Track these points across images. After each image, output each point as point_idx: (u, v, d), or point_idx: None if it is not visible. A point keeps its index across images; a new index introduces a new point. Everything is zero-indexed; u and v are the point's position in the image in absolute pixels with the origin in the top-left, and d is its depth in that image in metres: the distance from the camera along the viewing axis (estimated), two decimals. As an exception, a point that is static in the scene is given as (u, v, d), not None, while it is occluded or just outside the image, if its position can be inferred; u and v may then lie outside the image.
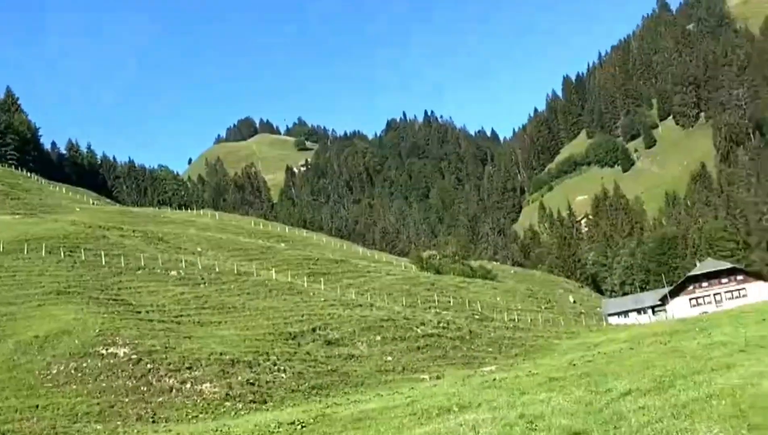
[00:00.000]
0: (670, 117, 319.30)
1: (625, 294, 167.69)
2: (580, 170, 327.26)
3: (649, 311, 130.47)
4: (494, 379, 42.53)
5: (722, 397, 20.00)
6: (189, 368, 48.17)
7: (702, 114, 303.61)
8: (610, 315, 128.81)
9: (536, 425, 24.02)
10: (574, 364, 43.66)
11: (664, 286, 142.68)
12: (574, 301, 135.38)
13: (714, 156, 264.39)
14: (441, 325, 74.78)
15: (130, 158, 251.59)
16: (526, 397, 32.94)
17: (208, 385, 46.74)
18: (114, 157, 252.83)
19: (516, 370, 50.94)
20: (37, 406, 40.10)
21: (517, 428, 24.54)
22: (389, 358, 62.14)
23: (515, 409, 29.58)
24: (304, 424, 35.78)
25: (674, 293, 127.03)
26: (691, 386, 23.90)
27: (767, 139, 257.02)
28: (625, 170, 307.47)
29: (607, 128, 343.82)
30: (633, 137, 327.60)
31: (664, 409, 21.15)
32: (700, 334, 57.55)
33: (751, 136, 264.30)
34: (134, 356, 48.04)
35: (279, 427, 35.93)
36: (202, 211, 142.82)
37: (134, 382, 45.20)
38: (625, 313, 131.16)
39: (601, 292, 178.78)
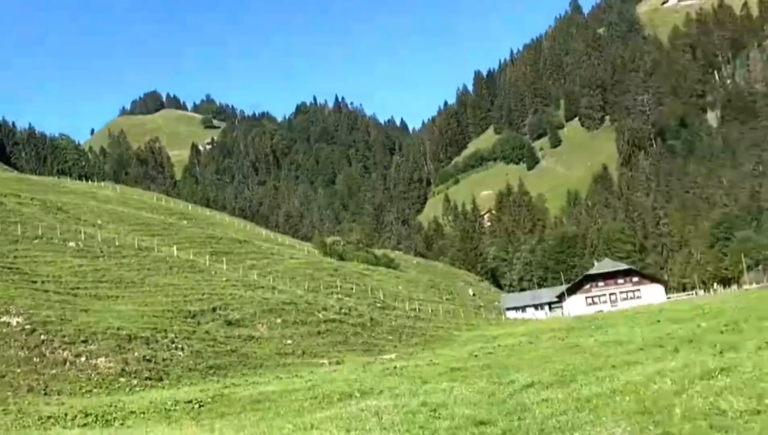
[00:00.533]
0: (577, 118, 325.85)
1: (523, 290, 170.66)
2: (486, 165, 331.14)
3: (546, 307, 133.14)
4: (395, 367, 42.60)
5: (625, 393, 20.25)
6: (84, 342, 46.86)
7: (607, 117, 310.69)
8: (508, 309, 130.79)
9: (439, 413, 24.01)
10: (476, 356, 44.10)
11: (561, 284, 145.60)
12: (474, 294, 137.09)
13: (616, 159, 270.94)
14: (343, 311, 74.62)
15: (30, 125, 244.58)
16: (428, 385, 33.03)
17: (103, 359, 45.53)
18: (13, 123, 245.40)
19: (416, 359, 51.16)
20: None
21: (420, 416, 24.49)
22: (289, 342, 61.69)
23: (417, 397, 29.59)
24: (201, 404, 35.20)
25: (571, 291, 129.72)
26: (593, 381, 24.23)
27: (668, 145, 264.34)
28: (530, 168, 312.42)
29: (514, 125, 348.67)
30: (539, 136, 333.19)
31: (567, 402, 21.33)
32: (596, 332, 58.87)
33: (653, 142, 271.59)
34: (28, 326, 46.47)
35: (175, 406, 35.24)
36: (103, 184, 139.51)
37: (27, 352, 43.69)
38: (523, 308, 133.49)
39: (500, 286, 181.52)
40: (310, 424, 25.90)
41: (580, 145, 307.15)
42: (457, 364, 40.05)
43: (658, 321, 63.52)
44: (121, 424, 32.21)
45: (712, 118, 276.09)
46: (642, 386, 20.64)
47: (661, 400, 18.36)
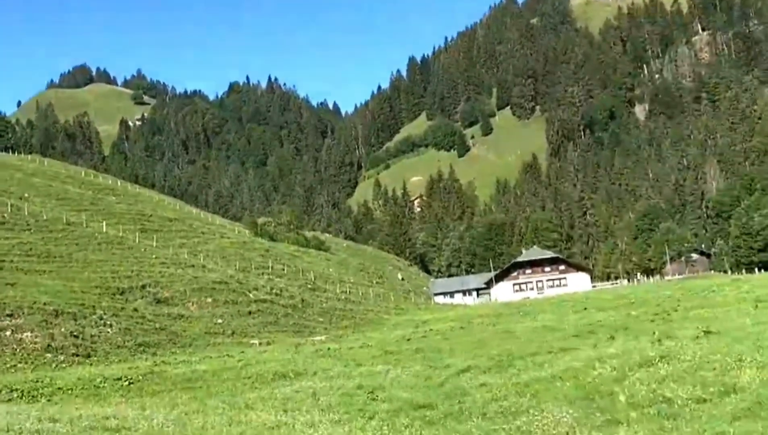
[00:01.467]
0: (508, 107, 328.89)
1: (451, 275, 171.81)
2: (417, 151, 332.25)
3: (474, 293, 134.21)
4: (328, 349, 42.48)
5: (565, 379, 20.43)
6: (10, 316, 45.68)
7: (538, 107, 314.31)
8: (436, 294, 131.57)
9: (377, 396, 23.98)
10: (408, 340, 44.15)
11: (490, 270, 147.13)
12: (403, 279, 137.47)
13: (546, 149, 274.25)
14: (274, 291, 74.12)
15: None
16: (362, 368, 32.96)
17: (29, 334, 44.44)
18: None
19: (348, 342, 51.12)
20: None
21: (358, 398, 24.43)
22: (220, 321, 61.07)
23: (353, 379, 29.53)
24: (131, 381, 34.62)
25: (499, 278, 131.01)
26: (531, 367, 24.42)
27: (596, 137, 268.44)
28: (460, 155, 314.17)
29: (447, 112, 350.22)
30: (471, 124, 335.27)
31: (506, 387, 21.44)
32: (525, 318, 59.46)
33: (582, 133, 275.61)
34: (-50, 300, 45.16)
35: (104, 382, 34.61)
36: (30, 157, 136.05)
37: (-51, 326, 42.47)
38: (451, 293, 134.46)
39: (428, 271, 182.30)
40: (244, 404, 25.65)
41: (510, 134, 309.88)
42: (390, 348, 40.06)
43: (585, 308, 64.40)
44: (48, 401, 31.49)
45: (639, 111, 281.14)
46: (582, 372, 20.84)
47: (603, 386, 18.55)
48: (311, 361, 37.27)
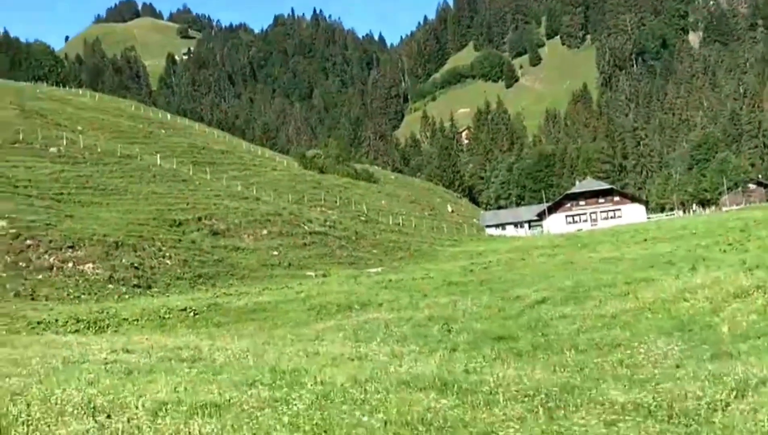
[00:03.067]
0: (557, 36, 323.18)
1: (500, 208, 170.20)
2: (464, 83, 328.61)
3: (526, 225, 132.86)
4: (389, 280, 41.92)
5: (655, 311, 19.57)
6: (71, 248, 45.83)
7: (588, 36, 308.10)
8: (487, 226, 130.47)
9: (452, 327, 23.31)
10: (471, 271, 43.46)
11: (540, 202, 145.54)
12: (453, 211, 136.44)
13: (596, 79, 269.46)
14: (327, 223, 73.82)
15: (4, 29, 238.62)
16: (428, 299, 32.35)
17: (90, 265, 44.60)
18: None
19: (406, 273, 50.53)
20: None
21: (432, 329, 23.81)
22: (275, 253, 60.94)
23: (420, 310, 28.94)
24: (196, 312, 34.46)
25: (552, 210, 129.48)
26: (612, 298, 23.55)
27: (648, 66, 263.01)
28: (508, 86, 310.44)
29: (494, 42, 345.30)
30: (519, 54, 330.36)
31: (591, 318, 20.65)
32: (584, 250, 58.40)
33: (634, 62, 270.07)
34: (12, 231, 45.27)
35: (169, 313, 34.51)
36: (81, 91, 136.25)
37: (12, 257, 42.61)
38: (503, 225, 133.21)
39: (477, 204, 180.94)
40: (314, 335, 25.20)
41: (560, 64, 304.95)
42: (453, 279, 39.41)
43: (645, 240, 63.17)
44: (115, 331, 31.46)
45: (693, 39, 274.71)
46: (672, 304, 19.96)
47: (699, 318, 17.68)
48: (374, 293, 36.77)
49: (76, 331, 31.65)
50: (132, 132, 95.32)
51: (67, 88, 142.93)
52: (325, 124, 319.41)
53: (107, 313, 35.21)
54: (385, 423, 9.50)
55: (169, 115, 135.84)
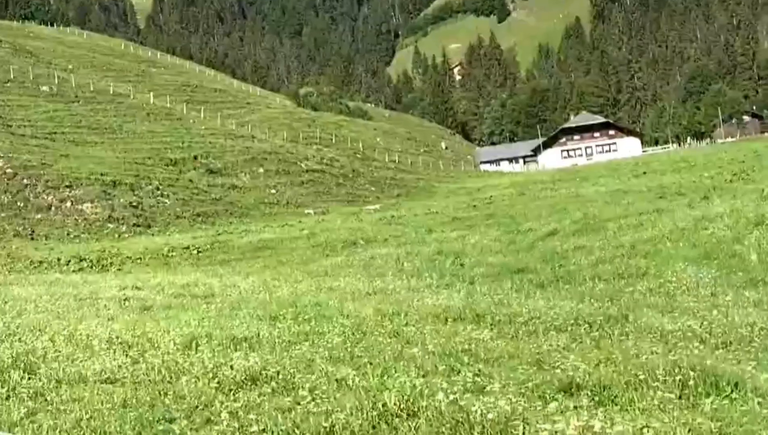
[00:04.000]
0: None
1: (493, 144, 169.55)
2: (456, 18, 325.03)
3: (521, 161, 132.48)
4: (392, 216, 41.65)
5: (675, 240, 19.22)
6: (68, 187, 45.35)
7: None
8: (482, 162, 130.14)
9: (464, 261, 23.01)
10: (475, 206, 43.22)
11: (534, 138, 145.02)
12: (447, 148, 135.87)
13: (589, 12, 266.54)
14: (324, 161, 73.29)
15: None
16: (435, 234, 32.09)
17: (89, 205, 44.13)
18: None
19: (406, 210, 50.23)
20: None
21: (444, 263, 23.50)
22: (273, 191, 60.57)
23: (428, 245, 28.64)
24: (199, 250, 34.18)
25: (547, 145, 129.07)
26: (627, 229, 23.22)
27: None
28: (500, 20, 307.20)
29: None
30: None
31: (608, 249, 20.32)
32: (585, 183, 58.20)
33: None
34: (9, 170, 44.72)
35: (172, 251, 34.26)
36: (69, 29, 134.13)
37: (10, 197, 42.13)
38: (497, 161, 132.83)
39: (470, 140, 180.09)
40: (323, 271, 24.91)
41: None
42: (458, 214, 39.13)
43: (644, 173, 62.95)
44: (119, 270, 31.19)
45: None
46: (692, 233, 19.61)
47: (723, 246, 17.34)
48: (378, 229, 36.49)
49: (80, 269, 31.38)
50: (124, 70, 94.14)
51: (55, 26, 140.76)
52: (316, 61, 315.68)
53: (109, 251, 34.90)
54: (428, 355, 9.20)
55: (159, 54, 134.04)
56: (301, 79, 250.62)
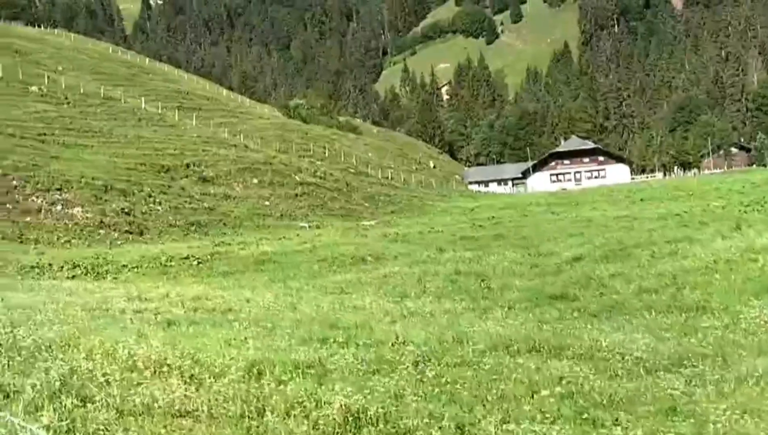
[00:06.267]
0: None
1: (480, 165, 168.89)
2: (444, 38, 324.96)
3: (510, 183, 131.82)
4: (396, 233, 40.49)
5: (721, 271, 18.19)
6: (59, 190, 43.94)
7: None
8: (470, 183, 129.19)
9: (490, 284, 21.96)
10: (481, 226, 42.13)
11: (520, 160, 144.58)
12: (435, 166, 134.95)
13: (578, 38, 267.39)
14: (318, 174, 72.03)
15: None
16: (447, 254, 30.98)
17: (79, 209, 42.74)
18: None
19: (403, 227, 49.24)
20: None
21: (468, 285, 22.47)
22: (267, 203, 59.35)
23: (443, 264, 27.61)
24: (200, 261, 32.90)
25: (536, 168, 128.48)
26: (661, 257, 22.21)
27: (631, 27, 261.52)
28: (489, 43, 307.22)
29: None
30: (501, 10, 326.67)
31: (647, 278, 19.30)
32: (581, 207, 57.40)
33: (616, 22, 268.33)
34: (-2, 171, 43.19)
35: (170, 261, 33.05)
36: (56, 31, 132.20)
37: (-2, 198, 40.61)
38: (486, 182, 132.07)
39: (456, 159, 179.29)
40: (339, 288, 23.81)
41: (541, 22, 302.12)
42: (464, 234, 38.06)
43: (642, 200, 62.60)
44: (114, 278, 29.98)
45: (676, 1, 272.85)
46: (739, 264, 18.59)
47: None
48: (384, 246, 35.38)
49: (74, 276, 30.13)
50: (114, 74, 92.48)
51: (42, 28, 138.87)
52: (303, 75, 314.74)
53: (104, 258, 33.63)
54: (532, 394, 8.08)
55: (147, 60, 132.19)
56: (288, 92, 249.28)
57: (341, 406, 6.93)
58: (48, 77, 74.45)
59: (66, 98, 70.11)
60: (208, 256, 33.69)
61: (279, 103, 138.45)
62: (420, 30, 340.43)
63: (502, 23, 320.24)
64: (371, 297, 20.57)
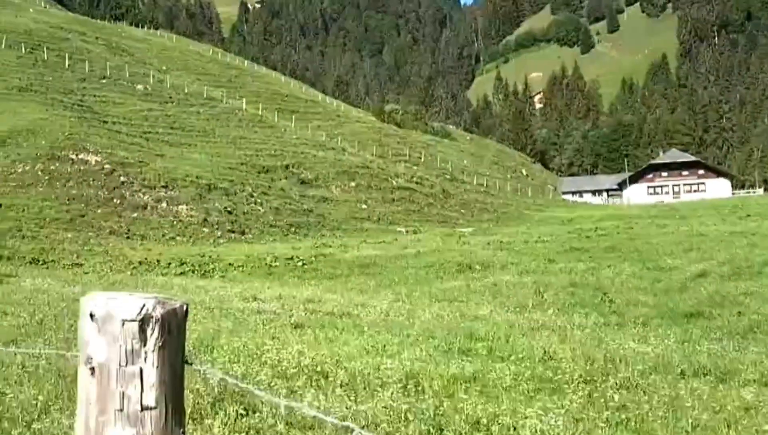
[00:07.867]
0: (638, 3, 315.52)
1: (572, 175, 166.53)
2: (538, 46, 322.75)
3: (604, 194, 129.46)
4: (500, 242, 39.64)
5: None
6: (165, 187, 44.35)
7: (670, 4, 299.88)
8: (564, 193, 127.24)
9: (612, 298, 21.03)
10: (587, 236, 40.94)
11: (614, 172, 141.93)
12: (527, 175, 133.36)
13: (676, 49, 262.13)
14: (414, 180, 71.64)
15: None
16: (557, 265, 30.04)
17: (184, 207, 43.03)
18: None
19: (502, 235, 48.27)
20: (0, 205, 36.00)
21: (588, 297, 21.63)
22: (364, 206, 59.07)
23: (555, 275, 26.76)
24: (304, 262, 32.63)
25: (633, 179, 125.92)
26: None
27: (731, 39, 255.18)
28: (584, 52, 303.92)
29: (572, 6, 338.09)
30: (597, 19, 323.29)
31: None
32: (687, 221, 55.58)
33: (716, 34, 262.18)
34: (107, 166, 43.79)
35: (276, 261, 32.89)
36: (159, 32, 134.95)
37: (107, 193, 41.12)
38: (580, 192, 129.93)
39: (548, 169, 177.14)
40: (449, 296, 23.20)
41: (638, 32, 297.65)
42: (573, 244, 36.97)
43: (748, 215, 60.19)
44: (222, 277, 29.86)
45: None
46: None
47: None
48: (491, 253, 34.60)
49: (182, 273, 30.13)
50: (215, 75, 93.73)
51: (144, 28, 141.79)
52: (395, 81, 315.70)
53: (210, 257, 33.72)
54: (728, 424, 7.31)
55: (246, 62, 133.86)
56: (381, 97, 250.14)
57: (537, 430, 6.29)
58: (153, 76, 75.67)
59: (170, 97, 71.16)
60: (312, 258, 33.46)
61: (373, 108, 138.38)
62: (514, 38, 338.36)
63: (598, 32, 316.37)
64: (489, 306, 19.92)
